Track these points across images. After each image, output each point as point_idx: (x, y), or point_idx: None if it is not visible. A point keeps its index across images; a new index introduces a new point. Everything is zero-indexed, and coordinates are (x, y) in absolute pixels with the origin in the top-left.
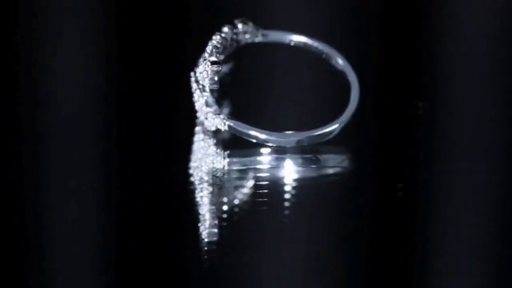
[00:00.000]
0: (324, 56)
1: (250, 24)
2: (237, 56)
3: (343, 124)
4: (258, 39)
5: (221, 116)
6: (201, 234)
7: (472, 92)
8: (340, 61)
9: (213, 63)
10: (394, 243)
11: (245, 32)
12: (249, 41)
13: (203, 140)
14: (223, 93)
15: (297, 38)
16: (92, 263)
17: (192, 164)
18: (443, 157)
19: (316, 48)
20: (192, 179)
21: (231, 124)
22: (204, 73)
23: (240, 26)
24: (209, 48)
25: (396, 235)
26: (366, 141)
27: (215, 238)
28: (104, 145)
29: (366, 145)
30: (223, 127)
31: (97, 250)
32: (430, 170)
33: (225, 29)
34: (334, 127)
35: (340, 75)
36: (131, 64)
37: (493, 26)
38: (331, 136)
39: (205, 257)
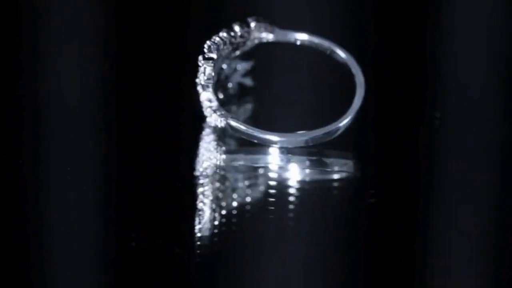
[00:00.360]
0: (329, 52)
1: (265, 22)
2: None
3: (348, 122)
4: (274, 38)
5: (220, 112)
6: (197, 229)
7: (472, 92)
8: (346, 59)
9: (204, 58)
10: (396, 245)
11: (259, 30)
12: (264, 40)
13: (207, 135)
14: (245, 93)
15: (314, 39)
16: (92, 262)
17: (197, 159)
18: (444, 157)
19: (326, 48)
20: (195, 173)
21: (230, 122)
22: (201, 69)
23: (253, 24)
24: (206, 45)
25: (398, 238)
26: (367, 144)
27: (208, 234)
28: (105, 144)
29: (368, 148)
30: (220, 124)
31: (97, 248)
32: (431, 171)
33: (236, 27)
34: (339, 125)
35: (343, 74)
36: (131, 63)
37: (493, 26)
38: (336, 134)
39: (205, 255)
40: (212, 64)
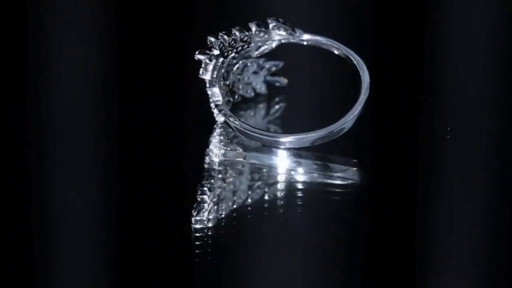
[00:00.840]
0: (342, 55)
1: (285, 23)
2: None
3: (352, 122)
4: (295, 39)
5: (219, 108)
6: (197, 222)
7: (472, 92)
8: (358, 63)
9: (200, 53)
10: (396, 247)
11: (277, 31)
12: (284, 40)
13: (216, 131)
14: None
15: (330, 42)
16: (93, 260)
17: (204, 154)
18: (444, 157)
19: (340, 50)
20: (201, 168)
21: (232, 120)
22: (203, 64)
23: (272, 25)
24: (209, 40)
25: (398, 239)
26: (368, 146)
27: (202, 225)
28: (107, 142)
29: (369, 150)
30: (220, 120)
31: (99, 246)
32: (431, 171)
33: (253, 26)
34: (343, 124)
35: (347, 75)
36: (134, 62)
37: (493, 26)
38: (341, 133)
39: (206, 251)
40: (209, 60)
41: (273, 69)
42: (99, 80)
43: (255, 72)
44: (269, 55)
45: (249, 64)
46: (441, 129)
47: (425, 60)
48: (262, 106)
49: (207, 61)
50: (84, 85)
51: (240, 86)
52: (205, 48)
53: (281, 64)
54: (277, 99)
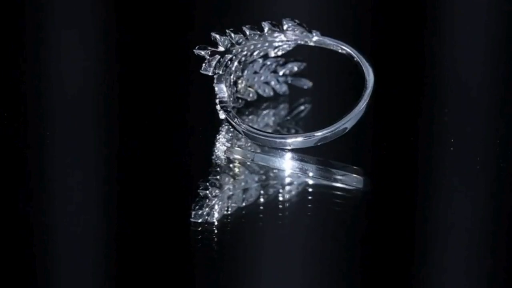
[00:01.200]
0: (354, 60)
1: (300, 24)
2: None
3: (354, 120)
4: (311, 41)
5: (221, 104)
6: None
7: (472, 91)
8: (365, 67)
9: (200, 48)
10: (399, 251)
11: (292, 32)
12: (300, 42)
13: (223, 127)
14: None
15: (347, 48)
16: (94, 257)
17: (211, 151)
18: (446, 160)
19: (352, 55)
20: (210, 163)
21: (231, 120)
22: (206, 61)
23: (286, 25)
24: (212, 36)
25: (398, 241)
26: (372, 153)
27: (202, 220)
28: (110, 140)
29: (372, 157)
30: (221, 117)
31: (100, 244)
32: (430, 172)
33: (266, 26)
34: (345, 124)
35: (350, 75)
36: (135, 60)
37: (493, 25)
38: (344, 133)
39: (206, 245)
40: (209, 56)
41: (295, 69)
42: (100, 78)
43: (274, 72)
44: (286, 55)
45: (268, 63)
46: (443, 131)
47: (428, 62)
48: (283, 106)
49: (207, 56)
50: (85, 84)
51: (256, 85)
52: (208, 44)
53: (303, 65)
54: (302, 100)
